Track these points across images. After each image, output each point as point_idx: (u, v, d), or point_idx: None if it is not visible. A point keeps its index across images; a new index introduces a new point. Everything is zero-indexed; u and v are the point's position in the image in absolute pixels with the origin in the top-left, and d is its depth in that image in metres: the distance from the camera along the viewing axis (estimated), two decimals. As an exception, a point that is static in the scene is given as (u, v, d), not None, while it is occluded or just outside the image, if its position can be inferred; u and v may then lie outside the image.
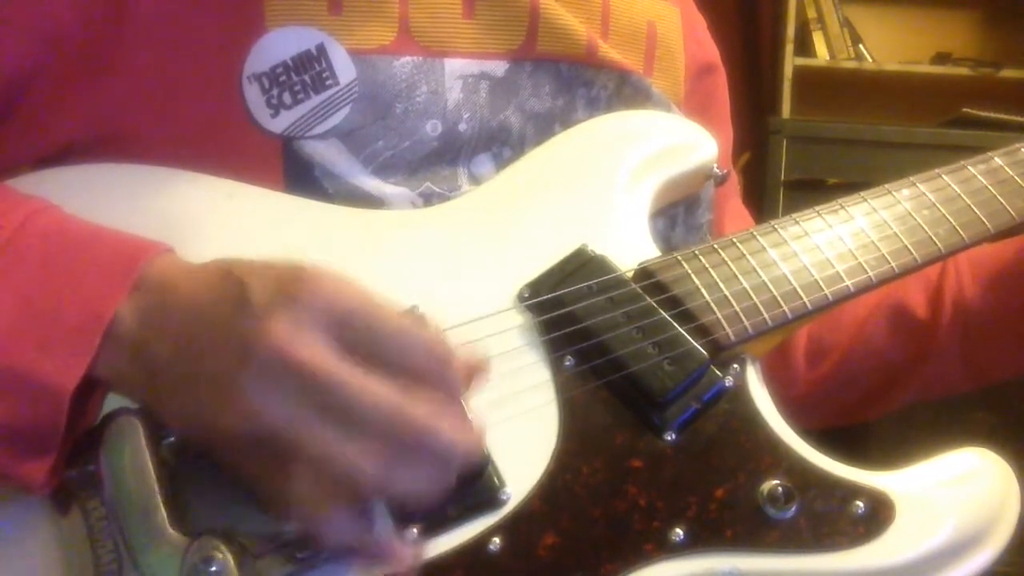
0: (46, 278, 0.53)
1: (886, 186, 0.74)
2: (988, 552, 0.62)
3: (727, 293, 0.66)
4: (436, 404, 0.48)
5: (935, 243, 0.71)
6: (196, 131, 0.65)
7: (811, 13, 2.55)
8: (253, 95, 0.65)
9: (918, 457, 0.64)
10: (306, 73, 0.66)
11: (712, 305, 0.65)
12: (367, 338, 0.48)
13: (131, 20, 0.63)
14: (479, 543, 0.56)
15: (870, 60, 2.58)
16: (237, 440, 0.48)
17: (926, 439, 0.71)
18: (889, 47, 2.67)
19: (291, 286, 0.49)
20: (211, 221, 0.64)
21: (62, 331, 0.51)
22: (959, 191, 0.74)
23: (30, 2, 0.62)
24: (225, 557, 0.49)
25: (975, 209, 0.73)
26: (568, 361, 0.62)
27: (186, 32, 0.64)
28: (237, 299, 0.49)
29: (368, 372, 0.46)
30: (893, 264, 0.70)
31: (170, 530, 0.51)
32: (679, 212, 0.82)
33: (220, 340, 0.49)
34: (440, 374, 0.49)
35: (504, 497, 0.57)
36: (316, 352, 0.46)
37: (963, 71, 2.53)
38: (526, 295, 0.64)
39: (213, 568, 0.49)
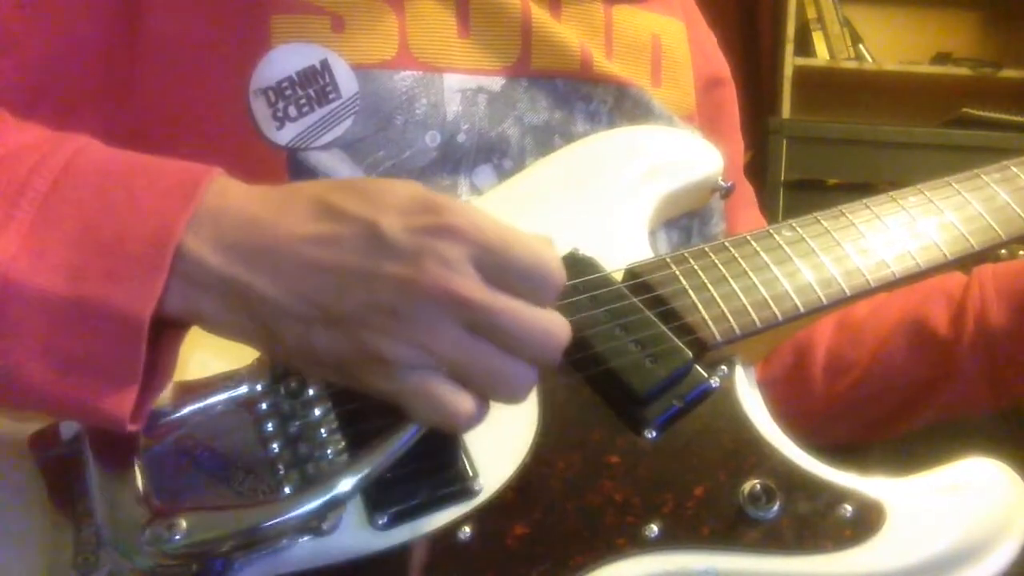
0: (106, 206, 0.51)
1: (891, 193, 0.73)
2: (992, 566, 0.59)
3: (715, 294, 0.65)
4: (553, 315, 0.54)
5: (939, 248, 0.69)
6: (207, 143, 0.68)
7: (811, 13, 2.55)
8: (260, 108, 0.68)
9: (919, 459, 0.62)
10: (310, 87, 0.69)
11: (698, 305, 0.64)
12: (503, 268, 0.52)
13: (146, 35, 0.67)
14: (449, 531, 0.56)
15: (870, 60, 2.56)
16: (391, 365, 0.50)
17: (926, 439, 0.68)
18: (889, 47, 2.65)
19: (429, 222, 0.51)
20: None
21: (129, 258, 0.50)
22: (969, 198, 0.73)
23: (48, 15, 0.67)
24: (188, 527, 0.51)
25: (985, 216, 0.71)
26: (549, 356, 0.62)
27: (197, 47, 0.68)
28: (372, 238, 0.50)
29: (511, 297, 0.52)
30: (893, 269, 0.68)
31: (140, 504, 0.53)
32: (693, 224, 0.82)
33: (360, 279, 0.50)
34: (551, 295, 0.53)
35: (476, 488, 0.58)
36: (471, 286, 0.50)
37: (963, 71, 2.49)
38: (513, 293, 0.65)
39: (176, 536, 0.51)
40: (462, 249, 0.51)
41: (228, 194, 0.53)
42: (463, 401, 0.51)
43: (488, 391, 0.52)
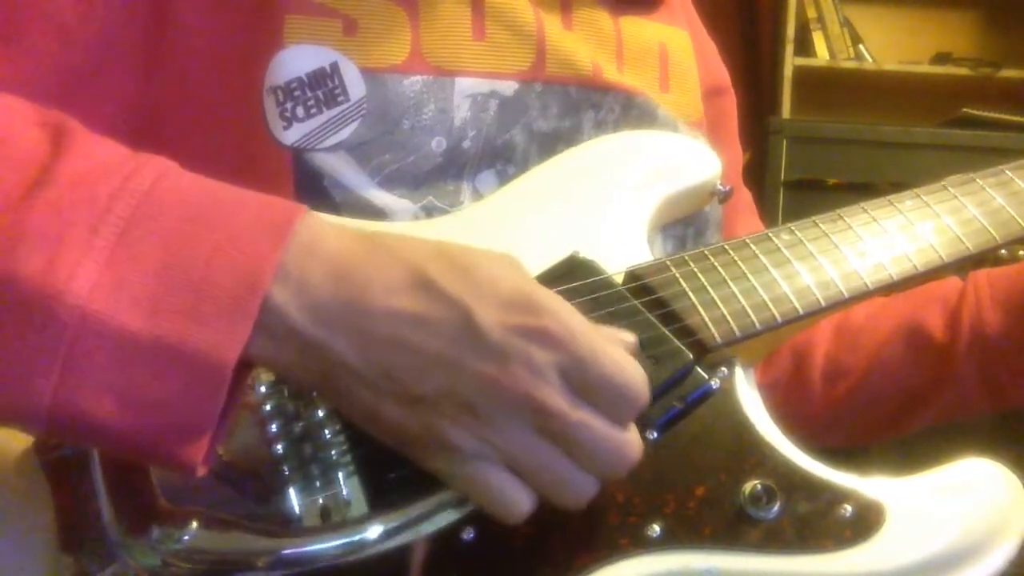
0: (190, 239, 0.49)
1: (888, 198, 0.73)
2: (990, 566, 0.59)
3: (715, 296, 0.66)
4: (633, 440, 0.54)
5: (936, 251, 0.70)
6: (219, 137, 0.68)
7: (811, 13, 2.57)
8: (270, 107, 0.68)
9: (919, 459, 0.62)
10: (319, 89, 0.70)
11: (698, 307, 0.65)
12: (589, 382, 0.52)
13: (172, 27, 0.67)
14: (453, 532, 0.57)
15: (870, 60, 2.57)
16: (455, 451, 0.51)
17: (925, 439, 0.69)
18: (889, 47, 2.66)
19: (525, 323, 0.50)
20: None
21: (214, 300, 0.47)
22: (965, 202, 0.73)
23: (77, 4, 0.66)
24: (197, 529, 0.51)
25: (980, 219, 0.72)
26: (551, 357, 0.62)
27: (217, 42, 0.68)
28: (465, 328, 0.50)
29: (591, 412, 0.52)
30: (891, 271, 0.69)
31: (147, 504, 0.53)
32: (688, 234, 0.83)
33: (444, 367, 0.50)
34: (631, 415, 0.54)
35: (480, 489, 0.58)
36: (554, 396, 0.51)
37: (963, 71, 2.51)
38: (513, 297, 0.65)
39: (186, 537, 0.51)
40: (551, 356, 0.50)
41: (317, 240, 0.51)
42: (521, 500, 0.52)
43: (547, 494, 0.53)
